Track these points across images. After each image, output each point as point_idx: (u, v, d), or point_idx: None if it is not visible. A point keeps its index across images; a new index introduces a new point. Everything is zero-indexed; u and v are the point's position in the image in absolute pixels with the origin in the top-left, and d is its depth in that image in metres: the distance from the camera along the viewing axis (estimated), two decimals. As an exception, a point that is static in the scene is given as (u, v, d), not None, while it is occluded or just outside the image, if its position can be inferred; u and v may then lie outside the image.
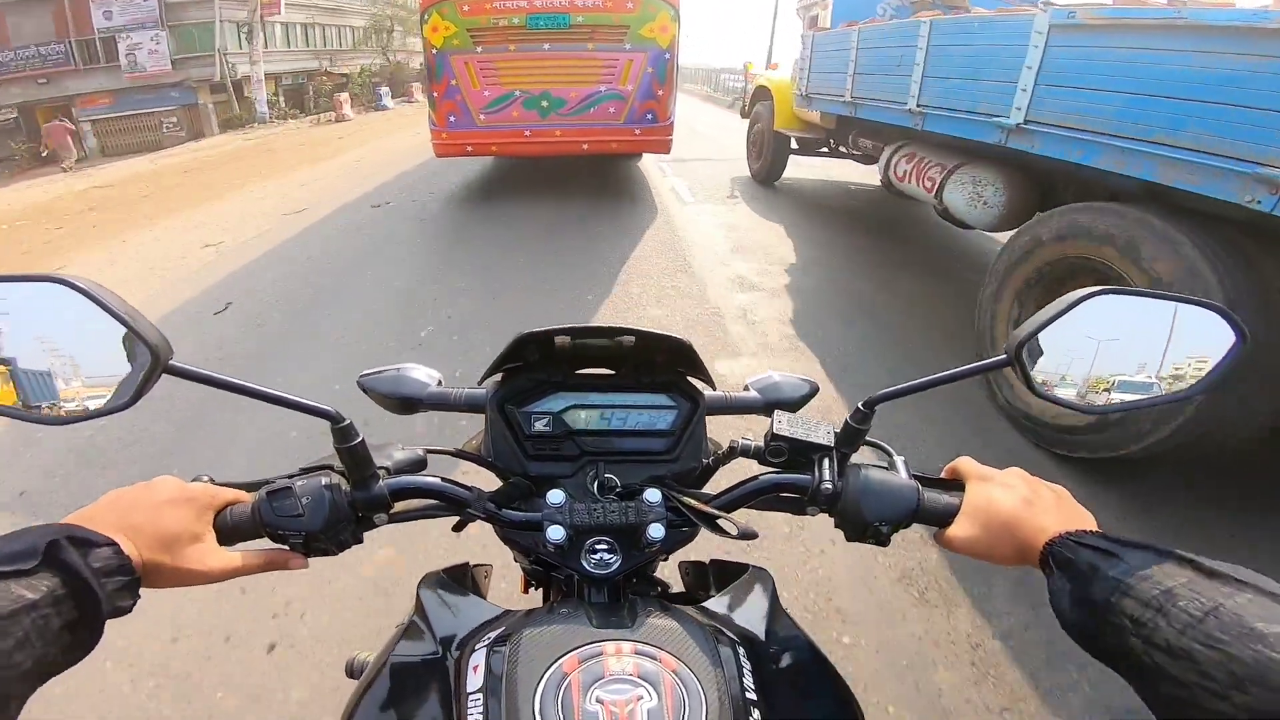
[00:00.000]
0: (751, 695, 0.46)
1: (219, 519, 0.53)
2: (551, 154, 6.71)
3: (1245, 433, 2.10)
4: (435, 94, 6.04)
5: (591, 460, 0.65)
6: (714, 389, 0.70)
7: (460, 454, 0.67)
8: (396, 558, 1.96)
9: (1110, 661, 0.43)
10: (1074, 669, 1.65)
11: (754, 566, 0.66)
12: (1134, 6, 2.49)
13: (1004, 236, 3.32)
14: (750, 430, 0.67)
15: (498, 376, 0.67)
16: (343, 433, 0.53)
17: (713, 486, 0.66)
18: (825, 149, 6.49)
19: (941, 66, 3.53)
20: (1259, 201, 1.87)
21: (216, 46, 19.56)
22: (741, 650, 0.50)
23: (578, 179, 7.37)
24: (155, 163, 13.34)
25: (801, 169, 7.46)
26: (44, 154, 15.52)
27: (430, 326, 3.74)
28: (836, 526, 0.59)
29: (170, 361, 0.47)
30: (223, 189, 8.88)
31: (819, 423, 0.61)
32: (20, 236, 7.47)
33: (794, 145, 6.88)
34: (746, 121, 7.83)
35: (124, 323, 0.45)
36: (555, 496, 0.57)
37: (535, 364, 0.66)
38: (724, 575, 0.70)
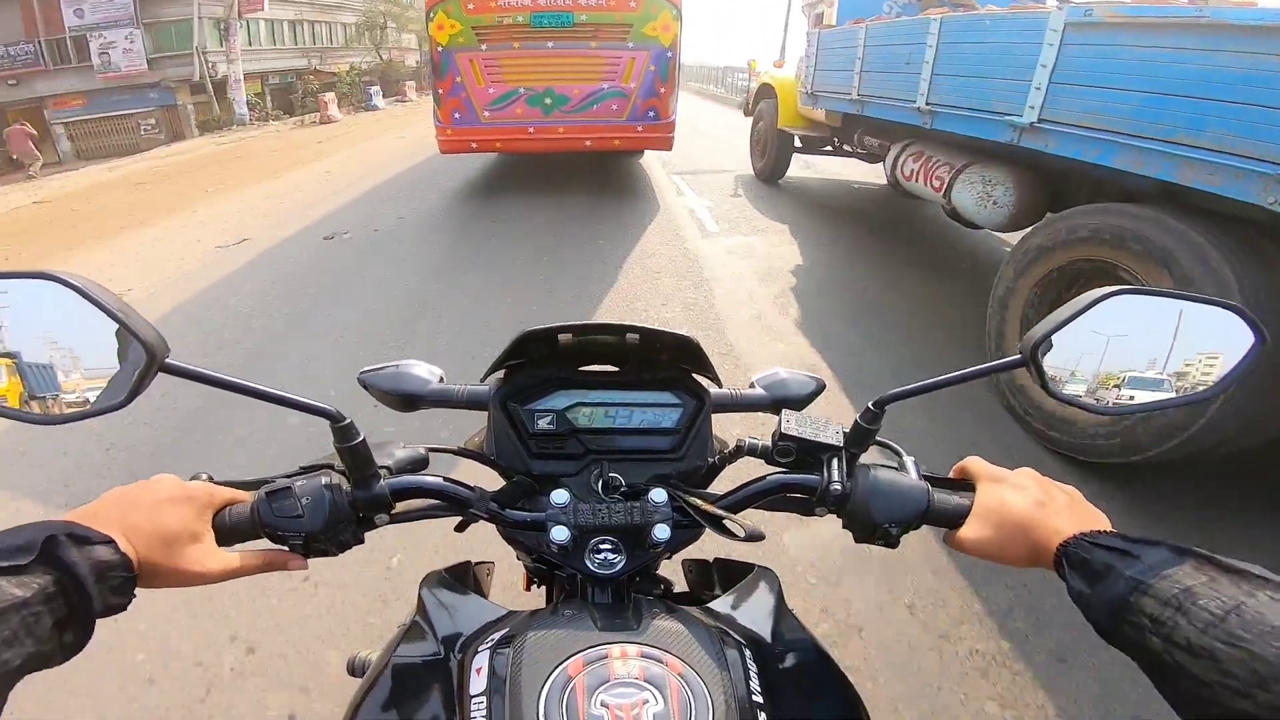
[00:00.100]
0: (758, 698, 0.47)
1: (217, 519, 0.54)
2: (555, 150, 6.88)
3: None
4: (440, 91, 6.25)
5: (595, 459, 0.66)
6: (720, 386, 0.71)
7: (463, 452, 0.68)
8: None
9: (1132, 656, 0.44)
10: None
11: (759, 566, 0.67)
12: (1154, 4, 2.53)
13: (1013, 237, 3.36)
14: (757, 428, 0.68)
15: (500, 373, 0.68)
16: (343, 432, 0.54)
17: (718, 486, 0.67)
18: (830, 147, 6.62)
19: (952, 64, 3.58)
20: (1279, 203, 1.91)
21: (195, 45, 19.48)
22: (748, 652, 0.51)
23: (575, 202, 6.60)
24: (115, 171, 12.68)
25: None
26: (14, 157, 15.52)
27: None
28: (845, 527, 0.60)
29: (166, 359, 0.48)
30: (165, 208, 7.93)
31: (828, 422, 0.62)
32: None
33: (798, 143, 7.00)
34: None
35: (118, 320, 0.46)
36: (559, 496, 0.58)
37: (538, 361, 0.67)
38: (728, 575, 0.71)
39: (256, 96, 21.81)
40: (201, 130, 19.52)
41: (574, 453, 0.66)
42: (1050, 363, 0.55)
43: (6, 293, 0.46)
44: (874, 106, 4.71)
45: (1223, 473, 2.42)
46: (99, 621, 0.44)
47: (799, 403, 0.72)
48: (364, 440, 0.55)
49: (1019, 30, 2.99)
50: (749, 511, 0.62)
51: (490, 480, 0.65)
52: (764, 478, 0.62)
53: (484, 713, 0.44)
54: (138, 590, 0.47)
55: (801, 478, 0.61)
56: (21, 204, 10.07)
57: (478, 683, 0.47)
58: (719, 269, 4.85)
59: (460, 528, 0.61)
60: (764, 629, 0.58)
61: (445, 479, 0.60)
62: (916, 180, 4.41)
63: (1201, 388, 0.56)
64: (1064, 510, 0.53)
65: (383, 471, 0.57)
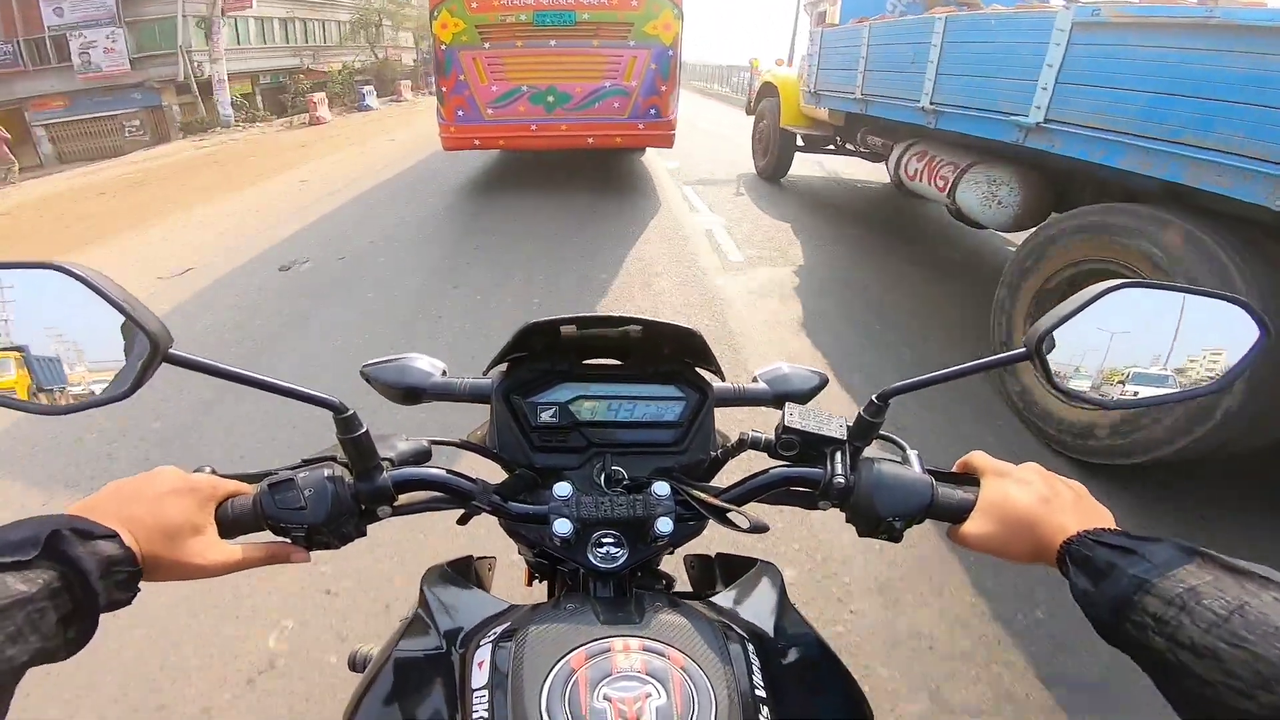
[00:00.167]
0: (761, 692, 0.48)
1: (220, 511, 0.55)
2: (557, 148, 7.05)
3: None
4: (444, 89, 6.41)
5: (598, 452, 0.67)
6: (723, 380, 0.72)
7: (465, 445, 0.69)
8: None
9: (1134, 656, 0.45)
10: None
11: (762, 561, 0.68)
12: (1162, 4, 2.56)
13: (1017, 237, 3.39)
14: (760, 424, 0.69)
15: (503, 366, 0.69)
16: (346, 423, 0.55)
17: (721, 480, 0.68)
18: (832, 146, 6.71)
19: (957, 64, 3.63)
20: (1287, 205, 1.94)
21: (179, 44, 19.31)
22: (750, 646, 0.52)
23: (577, 229, 5.88)
24: (86, 177, 11.63)
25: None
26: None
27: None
28: (848, 521, 0.61)
29: (171, 350, 0.49)
30: (122, 223, 7.18)
31: (831, 415, 0.63)
32: None
33: (800, 142, 7.09)
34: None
35: (122, 310, 0.47)
36: (562, 489, 0.59)
37: (541, 354, 0.68)
38: (730, 570, 0.72)
39: (244, 97, 21.59)
40: (185, 132, 19.16)
41: (576, 446, 0.67)
42: (1055, 358, 0.56)
43: (13, 286, 0.48)
44: (878, 106, 4.76)
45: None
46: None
47: (802, 398, 0.73)
48: (367, 432, 0.56)
49: (1025, 30, 3.03)
50: (752, 505, 0.63)
51: (493, 473, 0.66)
52: (767, 471, 0.63)
53: (486, 707, 0.45)
54: (141, 584, 0.48)
55: (805, 471, 0.61)
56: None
57: (480, 677, 0.48)
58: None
59: (463, 520, 0.62)
60: (767, 623, 0.59)
61: (448, 471, 0.61)
62: (920, 180, 4.46)
63: (1206, 382, 0.57)
64: (1069, 506, 0.54)
65: (385, 464, 0.58)
